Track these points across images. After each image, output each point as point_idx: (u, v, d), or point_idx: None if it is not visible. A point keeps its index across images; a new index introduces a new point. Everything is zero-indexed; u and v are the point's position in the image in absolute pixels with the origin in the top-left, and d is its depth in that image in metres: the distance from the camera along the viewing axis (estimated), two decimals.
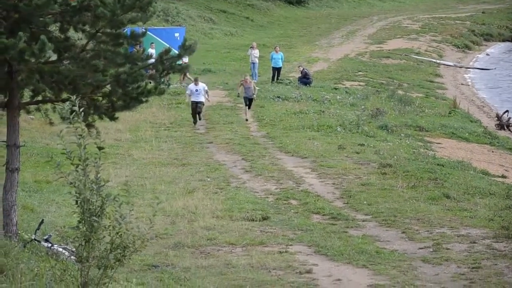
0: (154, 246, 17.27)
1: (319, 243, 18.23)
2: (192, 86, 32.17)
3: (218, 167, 25.64)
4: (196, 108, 31.70)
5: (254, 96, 33.36)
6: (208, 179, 24.02)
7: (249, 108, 33.45)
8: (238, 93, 34.32)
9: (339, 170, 25.36)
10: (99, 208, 10.04)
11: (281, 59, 42.32)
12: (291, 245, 18.18)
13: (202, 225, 19.27)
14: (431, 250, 17.98)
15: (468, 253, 17.75)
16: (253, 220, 20.05)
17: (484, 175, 27.25)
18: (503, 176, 27.98)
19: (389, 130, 33.12)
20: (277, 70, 42.54)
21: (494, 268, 16.64)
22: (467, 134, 35.84)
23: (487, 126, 39.09)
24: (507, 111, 41.60)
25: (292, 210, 21.17)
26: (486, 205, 21.85)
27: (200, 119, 31.96)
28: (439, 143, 33.12)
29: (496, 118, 41.55)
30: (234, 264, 16.66)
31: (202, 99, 31.64)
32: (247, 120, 32.72)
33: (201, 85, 31.94)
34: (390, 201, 21.93)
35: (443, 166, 27.00)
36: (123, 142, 28.81)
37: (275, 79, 42.36)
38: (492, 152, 34.05)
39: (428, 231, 19.43)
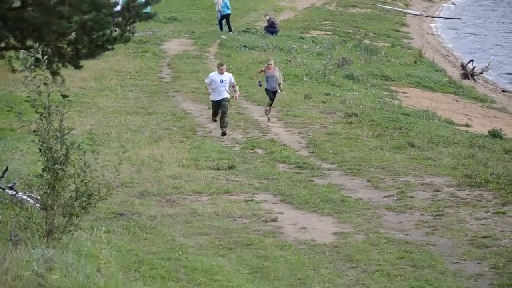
0: (120, 195, 17.27)
1: (285, 192, 18.33)
2: (214, 75, 22.82)
3: (184, 116, 25.59)
4: (218, 108, 22.85)
5: (281, 87, 25.14)
6: (174, 128, 23.98)
7: (272, 103, 25.13)
8: (260, 83, 25.29)
9: (305, 119, 25.43)
10: (63, 156, 9.99)
11: (226, 6, 41.71)
12: (257, 193, 18.27)
13: (168, 174, 19.28)
14: (395, 198, 18.16)
15: (431, 201, 17.95)
16: (219, 169, 20.09)
17: (449, 124, 27.49)
18: (467, 125, 28.24)
19: (355, 80, 33.21)
20: (225, 17, 41.99)
21: (456, 215, 16.85)
22: (432, 83, 36.05)
23: (452, 76, 39.33)
24: (471, 60, 41.86)
25: (258, 159, 21.23)
26: (450, 154, 22.06)
27: (225, 125, 22.73)
28: (405, 93, 33.29)
29: (461, 68, 41.80)
30: (200, 212, 16.72)
31: (226, 94, 22.57)
32: (268, 119, 24.74)
33: (227, 75, 22.87)
34: (356, 150, 22.06)
35: (408, 115, 27.18)
36: (88, 90, 28.61)
37: (222, 28, 41.84)
38: (457, 101, 34.32)
39: (392, 179, 19.60)
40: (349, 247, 14.90)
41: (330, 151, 22.03)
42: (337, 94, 29.52)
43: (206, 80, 23.08)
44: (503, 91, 39.77)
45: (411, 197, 18.23)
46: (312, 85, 30.73)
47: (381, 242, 15.19)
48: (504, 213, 16.91)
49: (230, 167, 20.28)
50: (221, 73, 22.63)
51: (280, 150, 22.02)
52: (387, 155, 21.67)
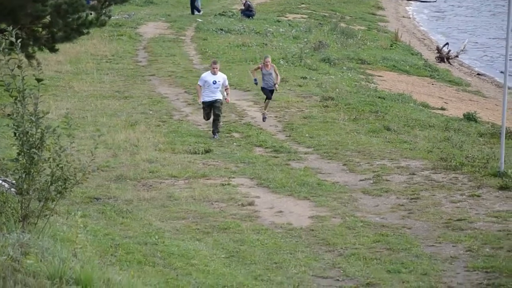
0: (96, 179, 17.21)
1: (261, 176, 18.35)
2: (207, 75, 21.30)
3: (160, 100, 25.51)
4: (210, 110, 21.33)
5: (277, 86, 23.15)
6: (151, 112, 23.91)
7: (270, 98, 23.30)
8: (256, 81, 23.65)
9: (281, 103, 25.42)
10: (38, 140, 9.94)
11: None
12: (233, 177, 18.27)
13: (144, 158, 19.24)
14: (372, 181, 18.22)
15: (407, 184, 18.03)
16: (195, 153, 20.06)
17: (424, 107, 27.59)
18: (443, 108, 28.35)
19: (332, 63, 33.21)
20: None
21: (432, 198, 16.94)
22: (408, 67, 36.12)
23: (427, 59, 39.41)
24: (447, 43, 41.96)
25: (234, 143, 21.23)
26: (425, 137, 22.16)
27: (218, 130, 21.46)
28: (381, 76, 33.35)
29: (437, 51, 41.90)
30: (177, 196, 16.71)
31: (219, 95, 21.19)
32: (264, 119, 23.08)
33: (221, 76, 21.41)
34: (332, 133, 22.10)
35: (384, 99, 27.25)
36: (64, 74, 28.44)
37: (194, 11, 41.69)
38: (432, 84, 34.42)
39: (368, 163, 19.67)
40: (326, 231, 14.94)
41: (307, 135, 22.06)
42: (314, 78, 29.52)
43: (199, 83, 21.32)
44: (478, 74, 39.93)
45: (387, 180, 18.30)
46: (288, 69, 30.70)
47: (357, 226, 15.25)
48: (479, 196, 17.03)
49: (207, 151, 20.27)
50: (214, 73, 21.12)
51: (257, 134, 22.02)
52: (363, 139, 21.73)
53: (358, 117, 23.96)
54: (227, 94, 21.52)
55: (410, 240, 14.48)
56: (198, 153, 20.04)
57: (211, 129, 21.38)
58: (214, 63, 21.41)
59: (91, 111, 23.50)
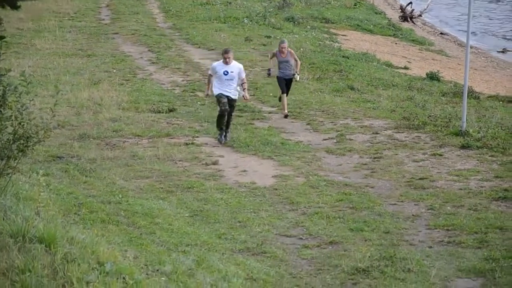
0: (58, 138, 17.12)
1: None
2: (218, 65, 17.67)
3: (124, 58, 25.35)
4: (225, 108, 17.56)
5: (297, 75, 20.29)
6: (114, 71, 23.76)
7: (287, 94, 20.34)
8: (269, 72, 21.81)
9: (245, 62, 25.35)
10: (0, 98, 9.84)
11: None
12: (197, 136, 18.26)
13: (108, 117, 19.14)
14: (335, 141, 18.30)
15: (370, 143, 18.14)
16: (159, 112, 20.00)
17: (388, 66, 27.71)
18: (406, 68, 28.49)
19: (296, 22, 33.17)
20: None
21: (394, 158, 17.06)
22: (371, 26, 36.18)
23: (391, 18, 39.50)
24: (410, 2, 42.05)
25: (198, 102, 21.18)
26: (388, 97, 22.26)
27: (227, 129, 17.93)
28: (344, 35, 33.37)
29: (400, 10, 42.01)
30: (140, 155, 16.67)
31: (233, 92, 17.66)
32: (286, 116, 19.98)
33: (236, 66, 17.73)
34: (296, 93, 22.11)
35: (348, 58, 27.31)
36: (26, 31, 28.14)
37: None
38: (396, 44, 34.54)
39: (332, 122, 19.74)
40: (289, 190, 15.01)
41: (271, 94, 22.06)
42: (278, 37, 29.46)
43: (209, 71, 18.02)
44: (441, 33, 40.11)
45: (350, 139, 18.39)
46: (252, 28, 30.62)
47: (321, 185, 15.34)
48: (441, 155, 17.18)
49: (171, 110, 20.21)
50: (226, 63, 17.36)
51: None
52: (327, 98, 21.78)
53: (322, 76, 24.00)
54: (244, 89, 17.66)
55: (372, 199, 14.59)
56: (162, 112, 19.99)
57: (219, 131, 17.69)
58: (226, 52, 17.47)
59: (53, 69, 23.29)
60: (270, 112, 20.52)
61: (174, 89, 22.29)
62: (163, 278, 9.25)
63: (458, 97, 21.92)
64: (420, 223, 13.43)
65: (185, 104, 20.96)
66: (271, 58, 20.89)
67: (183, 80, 23.28)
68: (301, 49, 27.47)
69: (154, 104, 20.46)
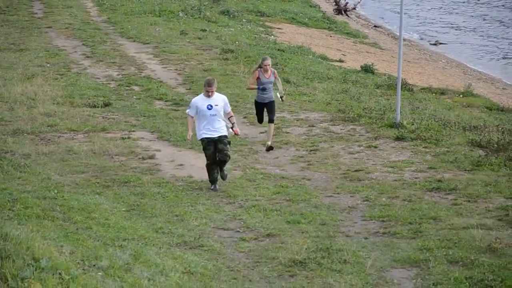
0: None
1: (162, 129, 18.30)
2: (200, 100, 14.74)
3: (58, 52, 25.08)
4: (214, 152, 14.67)
5: (282, 96, 17.62)
6: (48, 65, 23.50)
7: (270, 120, 17.29)
8: (256, 105, 17.67)
9: (181, 56, 25.31)
10: None
11: None
12: (133, 131, 18.17)
13: (42, 112, 18.93)
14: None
15: (306, 136, 18.25)
16: (95, 106, 19.85)
17: (323, 59, 27.89)
18: (341, 61, 28.71)
19: (231, 16, 33.18)
20: None
21: (330, 150, 17.20)
22: (306, 19, 36.38)
23: (325, 11, 39.74)
24: None
25: (134, 96, 21.07)
26: (324, 89, 22.42)
27: (223, 176, 14.94)
28: (280, 29, 33.49)
29: (334, 3, 42.28)
30: (76, 150, 16.53)
31: (223, 129, 14.70)
32: (270, 148, 17.05)
33: (220, 98, 14.78)
34: (232, 86, 22.14)
35: (283, 51, 27.42)
36: None
37: None
38: (331, 37, 34.78)
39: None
40: (226, 183, 15.03)
41: None
42: (213, 30, 29.45)
43: (188, 111, 14.77)
44: (375, 26, 40.49)
45: (287, 132, 18.49)
46: (188, 21, 30.55)
47: (258, 178, 15.39)
48: (375, 147, 17.36)
49: (106, 105, 20.07)
50: (208, 96, 14.52)
51: (157, 87, 21.91)
52: None
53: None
54: (232, 123, 14.81)
55: (309, 191, 14.69)
56: (98, 107, 19.84)
57: (211, 183, 14.76)
58: (209, 84, 14.49)
59: None
60: None
61: (109, 83, 22.13)
62: (99, 273, 9.21)
63: (392, 90, 22.18)
64: (356, 215, 13.58)
65: (121, 98, 20.83)
66: (254, 80, 17.24)
67: (118, 74, 23.13)
68: (237, 42, 27.50)
69: (89, 99, 20.30)
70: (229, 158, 14.66)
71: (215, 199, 14.28)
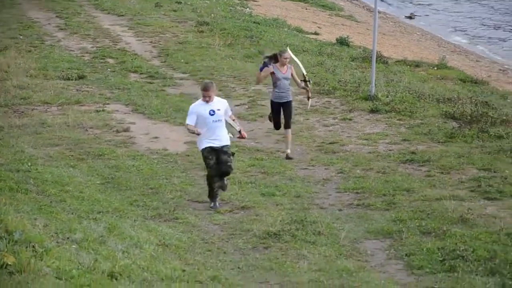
0: None
1: (137, 102, 18.25)
2: (199, 106, 12.87)
3: (31, 24, 24.88)
4: (217, 160, 12.84)
5: (309, 98, 15.72)
6: (21, 37, 23.31)
7: (286, 125, 15.21)
8: (272, 105, 15.34)
9: (156, 28, 25.19)
10: None
11: None
12: (108, 104, 18.11)
13: (15, 84, 18.81)
14: (247, 107, 18.37)
15: None
16: (68, 79, 19.74)
17: (298, 32, 27.84)
18: (316, 33, 28.67)
19: None
20: None
21: (306, 122, 17.23)
22: None
23: None
24: None
25: (109, 69, 20.98)
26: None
27: (223, 186, 12.95)
28: (255, 1, 33.39)
29: None
30: (50, 123, 16.45)
31: (226, 138, 12.94)
32: (289, 157, 15.00)
33: (220, 103, 12.98)
34: (207, 59, 22.08)
35: (259, 24, 27.34)
36: None
37: None
38: (306, 9, 34.73)
39: (244, 88, 19.79)
40: (201, 156, 15.02)
41: (182, 60, 21.98)
42: (188, 3, 29.32)
43: (188, 121, 12.79)
44: None
45: (262, 105, 18.48)
46: None
47: (232, 151, 15.39)
48: (350, 119, 17.41)
49: (80, 77, 19.97)
50: (207, 100, 12.70)
51: (132, 59, 21.81)
52: (239, 64, 21.81)
53: (233, 42, 23.99)
54: (237, 124, 13.29)
55: (284, 163, 14.73)
56: (72, 79, 19.73)
57: (210, 198, 12.86)
58: (205, 88, 12.68)
59: None
60: (181, 79, 20.46)
61: (83, 56, 22.01)
62: (73, 246, 9.22)
63: (367, 62, 22.19)
64: (330, 187, 13.64)
65: (95, 71, 20.73)
66: (263, 76, 15.16)
67: (92, 47, 23.00)
68: (212, 14, 27.41)
69: (63, 71, 20.18)
70: (232, 170, 12.84)
71: (190, 172, 14.29)
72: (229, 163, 12.72)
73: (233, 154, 12.94)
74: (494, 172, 13.99)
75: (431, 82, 21.69)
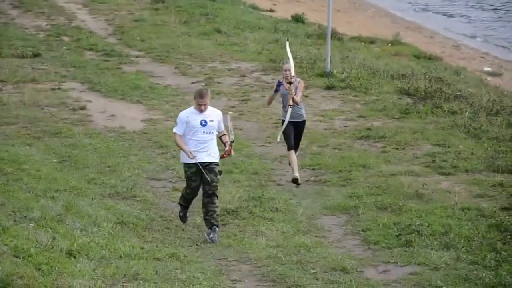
0: None
1: (93, 80, 18.17)
2: (189, 114, 11.23)
3: None
4: (200, 181, 11.03)
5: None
6: None
7: (296, 146, 13.13)
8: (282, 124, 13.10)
9: (111, 6, 25.04)
10: None
11: None
12: (64, 82, 18.01)
13: None
14: (203, 84, 18.37)
15: (238, 86, 18.31)
16: (23, 57, 19.58)
17: (254, 9, 27.84)
18: (271, 10, 28.69)
19: None
20: None
21: (262, 100, 17.26)
22: None
23: None
24: None
25: (64, 47, 20.84)
26: (255, 39, 22.42)
27: (215, 219, 10.78)
28: None
29: None
30: (5, 101, 16.33)
31: (215, 154, 11.11)
32: (296, 181, 12.71)
33: (214, 113, 11.29)
34: (163, 37, 22.02)
35: (214, 1, 27.27)
36: None
37: None
38: None
39: (200, 66, 19.79)
40: (159, 134, 15.04)
41: (138, 38, 21.89)
42: None
43: (175, 130, 11.14)
44: None
45: (218, 82, 18.51)
46: None
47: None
48: (306, 96, 17.48)
49: (36, 55, 19.81)
50: (201, 110, 11.06)
51: (87, 37, 21.67)
52: (194, 42, 21.78)
53: (188, 19, 23.93)
54: (226, 143, 11.28)
55: (241, 140, 14.79)
56: (27, 57, 19.57)
57: (205, 219, 10.88)
58: (201, 95, 11.08)
59: None
60: (137, 56, 20.39)
61: (38, 34, 21.82)
62: (31, 225, 9.22)
63: (322, 39, 22.27)
64: (287, 164, 13.72)
65: (51, 49, 20.58)
66: (272, 97, 13.15)
67: (47, 25, 22.80)
68: None
69: (17, 49, 20.00)
70: (217, 188, 10.91)
71: (148, 150, 14.30)
72: (214, 183, 10.79)
73: (220, 173, 11.02)
74: (448, 147, 14.19)
75: (386, 58, 21.86)
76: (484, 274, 9.21)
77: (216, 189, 10.86)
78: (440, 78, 18.81)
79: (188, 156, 10.75)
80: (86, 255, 8.84)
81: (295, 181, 12.59)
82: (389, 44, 24.52)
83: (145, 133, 15.13)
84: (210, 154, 10.93)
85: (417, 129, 15.08)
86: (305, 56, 20.34)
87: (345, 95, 17.47)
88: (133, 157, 13.80)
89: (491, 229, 10.62)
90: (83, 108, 16.41)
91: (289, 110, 12.16)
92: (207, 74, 19.09)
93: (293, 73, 12.46)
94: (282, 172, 13.35)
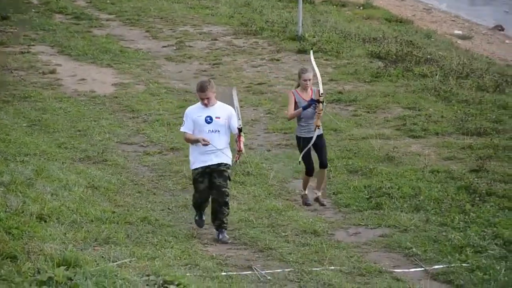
0: None
1: (63, 43, 18.03)
2: (194, 110, 9.91)
3: None
4: (208, 186, 9.76)
5: (319, 125, 10.73)
6: None
7: (322, 164, 10.76)
8: (300, 142, 10.77)
9: None
10: None
11: None
12: (33, 45, 17.85)
13: None
14: (175, 48, 18.30)
15: (209, 50, 18.24)
16: None
17: None
18: None
19: None
20: None
21: (233, 63, 17.26)
22: None
23: None
24: None
25: (33, 10, 20.62)
26: (226, 2, 22.33)
27: (224, 226, 9.68)
28: None
29: None
30: None
31: (224, 155, 9.75)
32: (317, 200, 10.78)
33: (222, 108, 9.87)
34: (134, 0, 21.86)
35: None
36: None
37: None
38: None
39: (171, 29, 19.68)
40: (130, 98, 14.98)
41: (108, 1, 21.72)
42: None
43: (183, 129, 9.94)
44: None
45: (190, 46, 18.44)
46: None
47: (161, 92, 15.37)
48: (278, 60, 17.49)
49: (4, 18, 19.61)
50: (206, 103, 9.78)
51: (56, 0, 21.45)
52: (165, 5, 21.64)
53: None
54: (238, 144, 9.80)
55: None
56: None
57: (214, 225, 9.82)
58: (201, 89, 9.75)
59: None
60: (108, 20, 20.24)
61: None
62: (1, 189, 9.17)
63: (294, 2, 22.19)
64: (259, 128, 13.74)
65: (19, 11, 20.35)
66: (292, 106, 10.73)
67: None
68: None
69: None
70: (227, 196, 9.76)
71: (119, 114, 14.24)
72: (223, 189, 9.65)
73: (229, 178, 9.79)
74: (419, 110, 14.25)
75: (357, 21, 21.85)
76: (453, 236, 9.30)
77: (227, 196, 9.69)
78: (411, 41, 18.84)
79: (201, 143, 9.56)
80: (57, 219, 8.81)
81: (316, 200, 10.78)
82: (361, 8, 24.49)
83: (116, 97, 15.06)
84: (218, 155, 9.66)
85: (388, 93, 15.13)
86: (277, 19, 20.30)
87: (316, 59, 17.34)
88: (104, 121, 13.74)
89: (460, 191, 10.71)
90: (52, 71, 16.29)
91: (317, 130, 10.57)
92: (178, 37, 19.00)
93: (321, 90, 10.59)
94: (254, 136, 13.34)
